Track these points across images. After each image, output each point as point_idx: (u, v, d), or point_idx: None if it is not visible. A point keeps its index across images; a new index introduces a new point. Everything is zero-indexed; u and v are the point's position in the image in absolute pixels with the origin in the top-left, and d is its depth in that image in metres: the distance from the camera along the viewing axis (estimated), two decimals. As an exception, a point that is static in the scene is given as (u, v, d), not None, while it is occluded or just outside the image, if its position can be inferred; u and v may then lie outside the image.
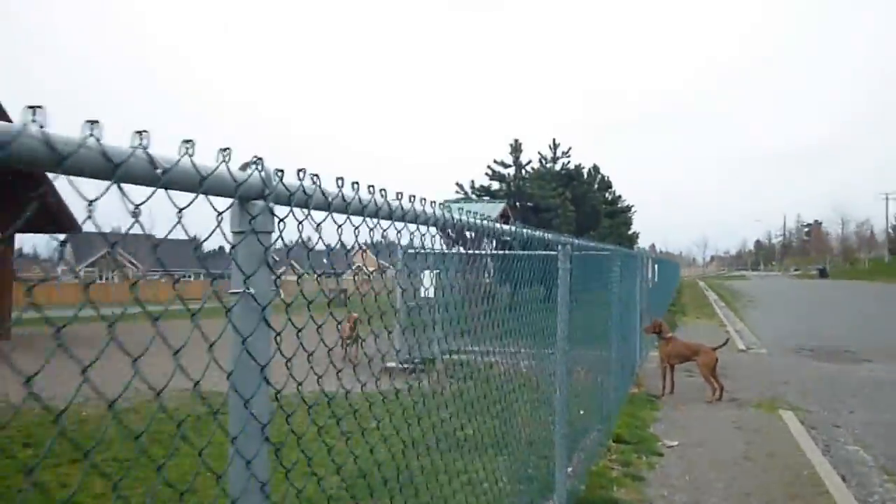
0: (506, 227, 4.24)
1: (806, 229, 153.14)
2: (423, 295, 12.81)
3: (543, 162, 34.56)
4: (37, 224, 18.80)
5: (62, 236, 23.22)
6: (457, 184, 30.70)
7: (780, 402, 10.24)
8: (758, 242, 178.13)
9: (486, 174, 31.20)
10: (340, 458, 2.28)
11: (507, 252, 5.32)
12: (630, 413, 8.99)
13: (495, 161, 31.17)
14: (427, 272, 13.01)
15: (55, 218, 19.56)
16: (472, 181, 31.07)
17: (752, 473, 6.73)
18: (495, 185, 30.92)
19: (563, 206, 28.38)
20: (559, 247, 5.53)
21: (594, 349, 7.47)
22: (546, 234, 5.09)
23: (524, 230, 4.67)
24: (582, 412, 8.02)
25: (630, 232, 48.71)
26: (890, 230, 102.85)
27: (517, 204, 29.15)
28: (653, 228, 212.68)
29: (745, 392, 10.90)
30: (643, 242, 50.67)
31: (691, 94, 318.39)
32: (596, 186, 44.00)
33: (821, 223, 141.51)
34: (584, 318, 6.87)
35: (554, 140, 34.77)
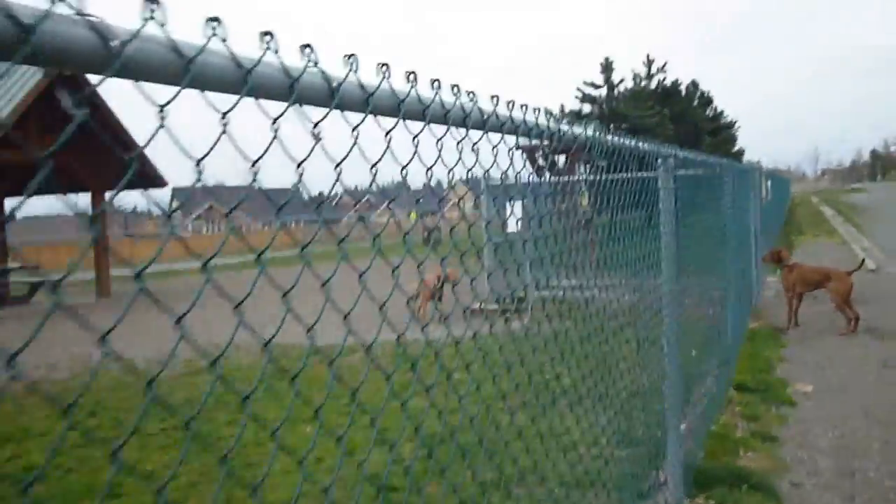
0: (581, 131, 3.24)
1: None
2: (510, 229, 11.76)
3: (638, 80, 32.48)
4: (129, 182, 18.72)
5: (159, 191, 23.32)
6: (545, 109, 29.02)
7: (925, 330, 8.83)
8: (874, 152, 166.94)
9: (577, 97, 29.48)
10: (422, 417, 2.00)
11: (595, 175, 4.32)
12: (752, 353, 7.80)
13: (585, 82, 29.37)
14: (510, 203, 11.93)
15: (145, 174, 19.49)
16: (562, 105, 29.38)
17: (912, 425, 5.52)
18: (587, 109, 29.18)
19: (661, 125, 26.47)
20: (659, 161, 4.42)
21: (708, 280, 6.36)
22: (642, 144, 3.99)
23: (611, 137, 3.60)
24: (695, 353, 7.00)
25: (735, 149, 45.87)
26: None
27: (611, 126, 27.39)
28: (758, 144, 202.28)
29: (885, 320, 9.47)
30: (749, 159, 47.57)
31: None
32: (696, 103, 41.46)
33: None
34: (694, 246, 5.78)
35: (648, 56, 32.58)
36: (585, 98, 29.20)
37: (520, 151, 2.44)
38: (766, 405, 6.06)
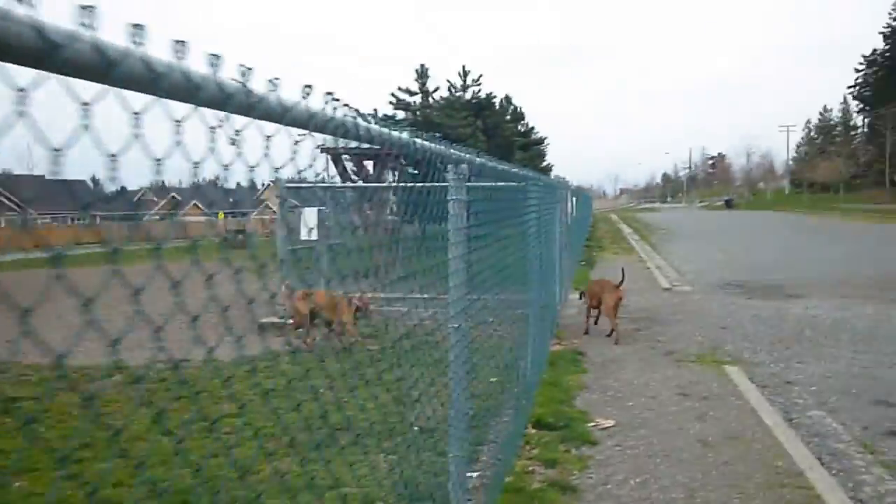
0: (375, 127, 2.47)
1: (711, 162, 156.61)
2: (303, 237, 10.79)
3: (453, 91, 32.44)
4: None
5: None
6: (357, 113, 28.10)
7: (720, 352, 8.79)
8: (665, 175, 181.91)
9: (391, 102, 28.86)
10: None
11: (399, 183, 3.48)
12: (553, 380, 7.27)
13: (400, 88, 28.82)
14: (308, 210, 10.97)
15: None
16: (375, 110, 28.58)
17: (716, 468, 5.09)
18: (401, 115, 28.63)
19: (474, 137, 26.41)
20: (450, 168, 3.61)
21: (507, 298, 5.70)
22: (429, 143, 3.14)
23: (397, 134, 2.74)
24: (494, 380, 6.37)
25: (543, 164, 47.43)
26: (790, 161, 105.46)
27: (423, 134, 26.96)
28: (565, 162, 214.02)
29: (680, 342, 9.40)
30: (557, 174, 49.48)
31: (602, 27, 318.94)
32: (508, 117, 42.34)
33: (724, 156, 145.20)
34: (492, 261, 5.07)
35: (464, 67, 32.65)
36: (399, 104, 28.67)
37: (323, 154, 2.04)
38: (565, 445, 5.45)
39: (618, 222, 49.68)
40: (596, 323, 10.37)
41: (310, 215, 9.93)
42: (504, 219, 5.67)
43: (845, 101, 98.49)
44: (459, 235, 3.73)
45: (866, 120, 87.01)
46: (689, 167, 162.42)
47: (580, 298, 10.70)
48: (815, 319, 10.95)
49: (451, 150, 3.55)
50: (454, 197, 3.66)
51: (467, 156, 3.83)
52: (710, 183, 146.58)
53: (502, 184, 5.50)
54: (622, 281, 10.14)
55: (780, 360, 8.38)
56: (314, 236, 9.84)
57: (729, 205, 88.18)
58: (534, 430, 5.70)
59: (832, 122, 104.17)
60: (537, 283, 7.05)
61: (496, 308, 5.24)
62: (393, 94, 28.61)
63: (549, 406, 6.32)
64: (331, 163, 16.74)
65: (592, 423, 6.01)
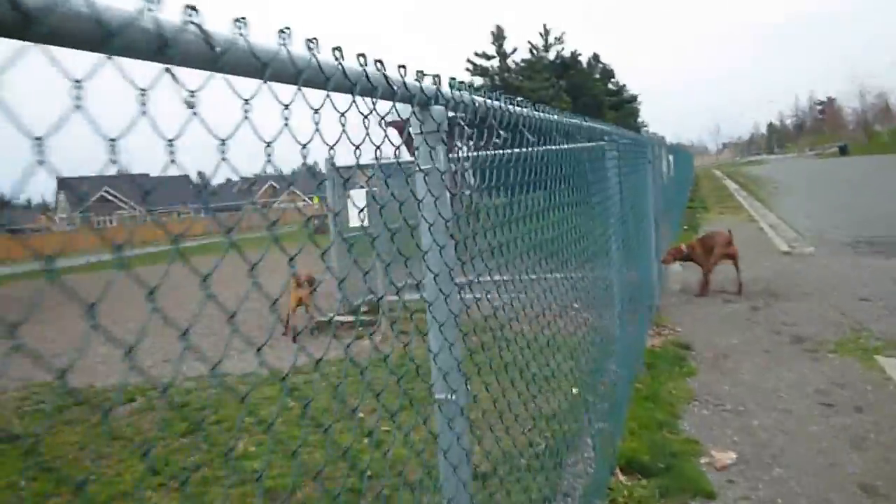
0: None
1: (819, 107, 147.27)
2: (352, 223, 9.44)
3: (534, 52, 30.45)
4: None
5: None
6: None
7: (866, 335, 6.92)
8: (770, 125, 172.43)
9: (467, 69, 27.19)
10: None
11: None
12: (650, 391, 5.65)
13: (476, 53, 27.10)
14: (355, 192, 9.60)
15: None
16: (452, 79, 26.97)
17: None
18: (478, 81, 26.94)
19: (557, 98, 24.50)
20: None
21: (587, 281, 4.22)
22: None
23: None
24: (575, 391, 4.88)
25: (637, 122, 44.77)
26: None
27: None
28: (661, 119, 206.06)
29: (811, 323, 7.57)
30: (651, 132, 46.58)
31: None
32: (597, 76, 40.02)
33: (834, 100, 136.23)
34: (560, 235, 3.69)
35: (545, 26, 30.55)
36: (476, 70, 26.97)
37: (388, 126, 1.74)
38: (667, 502, 3.89)
39: (722, 178, 46.43)
40: (704, 291, 9.65)
41: (357, 197, 8.58)
42: (568, 185, 4.17)
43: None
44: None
45: None
46: (797, 115, 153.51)
47: (680, 266, 10.08)
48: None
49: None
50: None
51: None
52: (819, 130, 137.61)
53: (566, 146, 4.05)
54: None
55: (951, 343, 6.51)
56: (365, 221, 8.47)
57: (843, 151, 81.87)
58: (623, 478, 4.15)
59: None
60: (620, 261, 5.47)
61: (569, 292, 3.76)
62: (469, 60, 26.95)
63: (645, 434, 4.73)
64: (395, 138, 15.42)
65: (706, 460, 4.40)
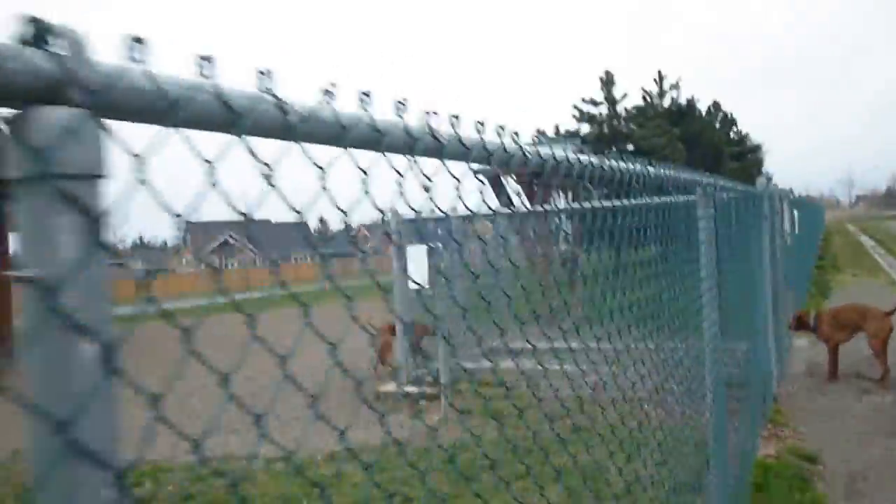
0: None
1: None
2: (414, 283, 8.29)
3: (647, 98, 28.94)
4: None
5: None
6: (538, 131, 25.56)
7: None
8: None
9: (574, 116, 25.96)
10: None
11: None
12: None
13: (584, 100, 25.86)
14: (413, 249, 8.48)
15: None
16: (557, 126, 25.84)
17: None
18: (585, 129, 25.67)
19: (670, 146, 22.86)
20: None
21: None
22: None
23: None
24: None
25: (763, 173, 42.06)
26: None
27: (612, 149, 23.88)
28: (787, 170, 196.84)
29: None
30: (774, 183, 43.62)
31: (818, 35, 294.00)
32: (718, 125, 37.94)
33: None
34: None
35: (659, 72, 29.00)
36: (583, 117, 25.69)
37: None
38: None
39: (856, 234, 42.77)
40: (835, 374, 7.89)
41: (417, 256, 7.49)
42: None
43: None
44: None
45: None
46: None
47: (813, 328, 8.28)
48: None
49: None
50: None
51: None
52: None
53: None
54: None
55: None
56: (424, 282, 7.39)
57: None
58: None
59: None
60: (713, 335, 4.13)
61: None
62: (575, 107, 25.73)
63: None
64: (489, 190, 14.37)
65: None
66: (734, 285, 5.29)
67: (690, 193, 4.08)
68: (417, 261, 7.32)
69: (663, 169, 3.51)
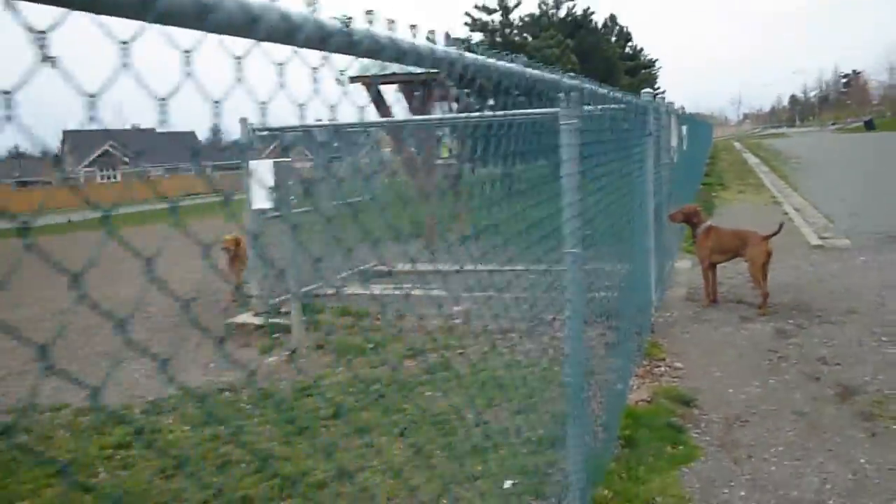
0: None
1: (845, 80, 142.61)
2: (255, 205, 7.30)
3: (544, 7, 28.01)
4: None
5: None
6: (427, 35, 24.23)
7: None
8: (793, 98, 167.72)
9: (466, 24, 24.81)
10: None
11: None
12: (624, 489, 3.62)
13: (476, 6, 24.68)
14: (257, 163, 7.45)
15: None
16: (447, 34, 24.61)
17: None
18: (477, 37, 24.59)
19: (563, 58, 22.14)
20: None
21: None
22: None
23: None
24: (508, 485, 3.07)
25: (655, 90, 42.29)
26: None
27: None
28: (680, 88, 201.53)
29: (863, 366, 5.48)
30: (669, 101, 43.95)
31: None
32: (612, 38, 37.54)
33: (860, 73, 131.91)
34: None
35: (556, -19, 28.01)
36: (476, 24, 24.55)
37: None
38: None
39: (742, 151, 43.87)
40: (714, 298, 7.62)
41: (263, 171, 6.47)
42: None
43: None
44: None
45: None
46: (821, 87, 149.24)
47: (694, 235, 7.87)
48: None
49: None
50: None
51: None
52: (843, 104, 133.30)
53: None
54: (776, 232, 7.33)
55: None
56: (267, 204, 6.43)
57: (869, 126, 78.40)
58: None
59: None
60: (576, 268, 3.43)
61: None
62: (468, 14, 24.52)
63: None
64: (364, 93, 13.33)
65: None
66: (613, 205, 4.63)
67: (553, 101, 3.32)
68: (261, 178, 6.33)
69: (526, 68, 2.73)
